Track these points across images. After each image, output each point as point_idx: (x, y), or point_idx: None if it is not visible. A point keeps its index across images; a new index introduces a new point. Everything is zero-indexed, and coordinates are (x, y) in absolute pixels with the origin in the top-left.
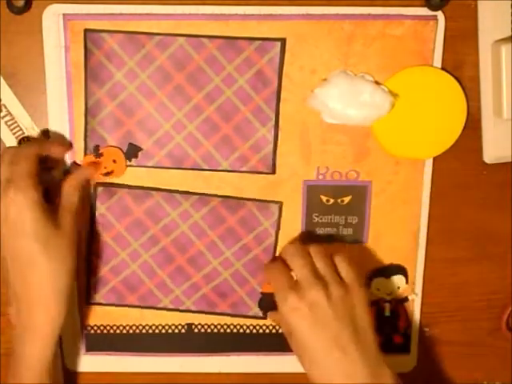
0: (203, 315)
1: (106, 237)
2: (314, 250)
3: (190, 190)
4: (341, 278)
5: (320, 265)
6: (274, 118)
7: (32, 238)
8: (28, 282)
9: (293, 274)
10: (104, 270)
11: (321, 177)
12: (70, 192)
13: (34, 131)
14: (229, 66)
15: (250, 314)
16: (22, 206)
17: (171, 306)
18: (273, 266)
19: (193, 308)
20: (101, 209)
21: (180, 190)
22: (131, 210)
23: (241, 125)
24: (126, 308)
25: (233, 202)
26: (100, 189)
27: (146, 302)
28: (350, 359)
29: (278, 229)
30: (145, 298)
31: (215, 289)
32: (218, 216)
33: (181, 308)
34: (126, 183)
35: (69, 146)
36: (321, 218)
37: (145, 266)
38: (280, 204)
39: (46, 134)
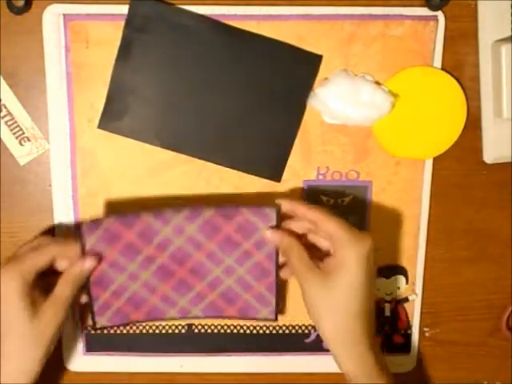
0: None
1: (102, 265)
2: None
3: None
4: None
5: None
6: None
7: (3, 324)
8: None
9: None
10: (105, 296)
11: (321, 177)
12: (63, 287)
13: (34, 131)
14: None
15: (260, 316)
16: (4, 291)
17: (178, 316)
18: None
19: (200, 314)
20: (91, 240)
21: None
22: (121, 236)
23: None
24: None
25: (228, 209)
26: (85, 224)
27: (152, 316)
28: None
29: None
30: (150, 313)
31: (222, 296)
32: (214, 226)
33: (189, 316)
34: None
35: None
36: None
37: (146, 284)
38: (277, 208)
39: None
